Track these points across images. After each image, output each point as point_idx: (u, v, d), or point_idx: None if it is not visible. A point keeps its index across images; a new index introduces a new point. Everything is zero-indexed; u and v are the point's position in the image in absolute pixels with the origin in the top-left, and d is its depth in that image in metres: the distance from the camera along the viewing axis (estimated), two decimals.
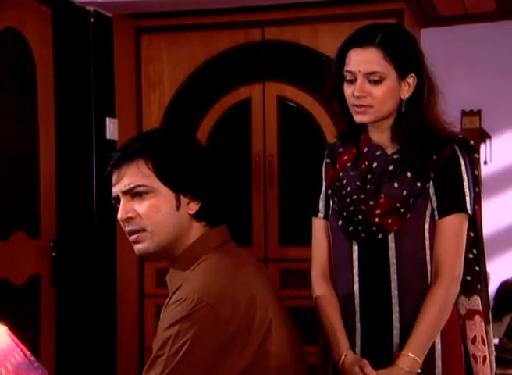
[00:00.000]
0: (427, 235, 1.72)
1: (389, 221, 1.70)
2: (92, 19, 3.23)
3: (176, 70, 3.44)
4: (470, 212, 1.73)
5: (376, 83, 1.70)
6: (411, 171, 1.72)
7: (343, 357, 1.71)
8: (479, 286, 1.78)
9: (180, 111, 3.44)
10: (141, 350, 3.46)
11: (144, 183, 1.50)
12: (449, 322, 1.72)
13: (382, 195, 1.71)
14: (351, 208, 1.74)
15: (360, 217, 1.73)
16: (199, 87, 3.42)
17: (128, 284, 3.41)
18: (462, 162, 1.74)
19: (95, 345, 3.21)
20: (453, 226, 1.72)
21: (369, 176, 1.75)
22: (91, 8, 3.22)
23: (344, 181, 1.78)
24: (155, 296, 3.44)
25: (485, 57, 3.66)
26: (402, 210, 1.70)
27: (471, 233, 1.77)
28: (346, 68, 1.74)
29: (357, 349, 1.74)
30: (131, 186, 1.51)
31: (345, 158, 1.81)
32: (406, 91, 1.74)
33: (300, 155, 3.29)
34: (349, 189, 1.77)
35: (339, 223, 1.77)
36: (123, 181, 1.52)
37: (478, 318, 1.76)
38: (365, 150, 1.78)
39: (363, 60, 1.70)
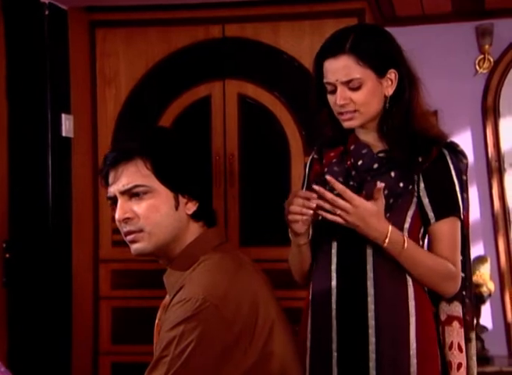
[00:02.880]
0: (406, 235, 1.75)
1: None
2: (47, 12, 3.17)
3: (132, 66, 3.41)
4: (462, 216, 1.78)
5: (356, 89, 1.74)
6: (395, 171, 1.75)
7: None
8: (464, 292, 1.81)
9: (137, 108, 3.41)
10: (96, 353, 3.43)
11: (143, 183, 1.50)
12: (425, 323, 1.76)
13: (364, 193, 1.74)
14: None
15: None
16: (157, 84, 3.40)
17: (83, 286, 3.37)
18: (451, 166, 1.77)
19: (49, 348, 3.16)
20: (450, 229, 1.76)
21: (353, 173, 1.79)
22: (46, 1, 3.16)
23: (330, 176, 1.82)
24: (111, 298, 3.41)
25: (441, 57, 3.75)
26: None
27: None
28: (325, 80, 1.78)
29: (334, 345, 1.76)
30: (130, 186, 1.51)
31: (332, 154, 1.85)
32: (390, 88, 1.78)
33: (261, 154, 3.31)
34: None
35: (320, 217, 1.79)
36: (121, 181, 1.52)
37: (456, 324, 1.79)
38: (352, 147, 1.82)
39: (337, 69, 1.74)
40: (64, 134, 3.22)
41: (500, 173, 3.71)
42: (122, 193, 1.52)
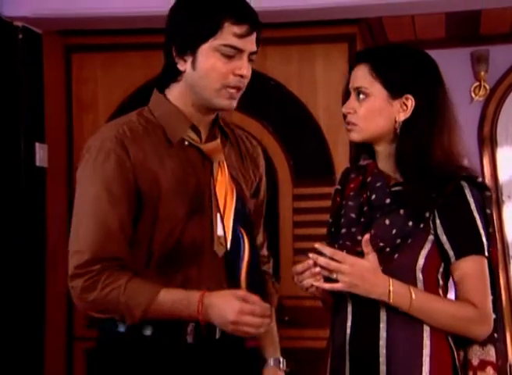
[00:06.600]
0: (420, 276, 1.74)
1: None
2: (20, 36, 3.19)
3: (111, 92, 3.43)
4: (486, 253, 1.73)
5: (362, 99, 1.75)
6: (405, 208, 1.73)
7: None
8: (496, 335, 1.78)
9: None
10: None
11: None
12: (440, 371, 1.74)
13: (372, 232, 1.73)
14: (340, 242, 1.78)
15: (344, 252, 1.74)
16: None
17: (56, 325, 3.34)
18: (471, 200, 1.73)
19: None
20: (474, 269, 1.72)
21: (365, 209, 1.78)
22: (20, 24, 3.18)
23: (342, 211, 1.82)
24: (85, 339, 3.38)
25: None
26: (387, 249, 1.72)
27: None
28: None
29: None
30: None
31: (352, 185, 1.84)
32: (402, 113, 1.76)
33: None
34: (342, 220, 1.81)
35: None
36: None
37: (490, 370, 1.76)
38: (368, 179, 1.81)
39: (354, 76, 1.78)
40: (38, 164, 3.22)
41: (498, 205, 3.73)
42: None
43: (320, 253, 1.69)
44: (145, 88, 3.39)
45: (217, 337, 1.74)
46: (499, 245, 3.63)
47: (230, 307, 1.60)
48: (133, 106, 3.33)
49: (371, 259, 1.69)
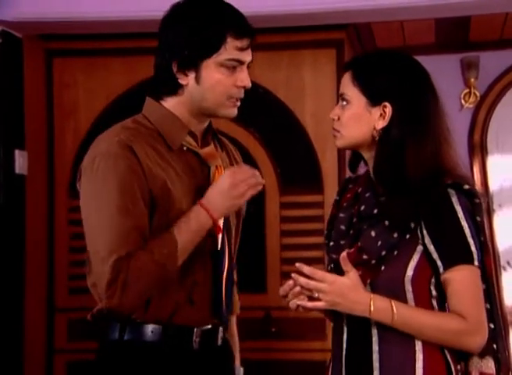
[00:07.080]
0: (409, 287, 1.71)
1: (359, 273, 1.70)
2: (0, 40, 3.15)
3: (93, 98, 3.38)
4: (477, 263, 1.69)
5: (344, 106, 1.75)
6: (389, 220, 1.71)
7: None
8: (494, 346, 1.74)
9: None
10: None
11: None
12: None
13: (359, 244, 1.71)
14: (330, 255, 1.76)
15: (332, 266, 1.74)
16: (120, 116, 3.34)
17: (36, 338, 3.29)
18: (458, 208, 1.69)
19: None
20: (462, 279, 1.69)
21: (354, 220, 1.77)
22: None
23: (335, 223, 1.81)
24: (67, 352, 3.33)
25: None
26: (373, 262, 1.70)
27: (483, 285, 1.73)
28: None
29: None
30: None
31: (348, 196, 1.83)
32: (381, 121, 1.74)
33: None
34: (333, 232, 1.79)
35: (328, 268, 1.78)
36: None
37: None
38: (359, 190, 1.80)
39: (341, 83, 1.79)
40: (17, 171, 3.18)
41: (489, 214, 3.72)
42: None
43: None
44: (128, 94, 3.37)
45: (219, 343, 1.80)
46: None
47: (221, 179, 1.73)
48: (116, 112, 3.35)
49: (351, 276, 1.68)
